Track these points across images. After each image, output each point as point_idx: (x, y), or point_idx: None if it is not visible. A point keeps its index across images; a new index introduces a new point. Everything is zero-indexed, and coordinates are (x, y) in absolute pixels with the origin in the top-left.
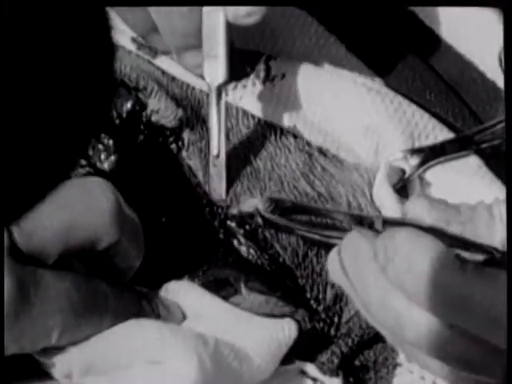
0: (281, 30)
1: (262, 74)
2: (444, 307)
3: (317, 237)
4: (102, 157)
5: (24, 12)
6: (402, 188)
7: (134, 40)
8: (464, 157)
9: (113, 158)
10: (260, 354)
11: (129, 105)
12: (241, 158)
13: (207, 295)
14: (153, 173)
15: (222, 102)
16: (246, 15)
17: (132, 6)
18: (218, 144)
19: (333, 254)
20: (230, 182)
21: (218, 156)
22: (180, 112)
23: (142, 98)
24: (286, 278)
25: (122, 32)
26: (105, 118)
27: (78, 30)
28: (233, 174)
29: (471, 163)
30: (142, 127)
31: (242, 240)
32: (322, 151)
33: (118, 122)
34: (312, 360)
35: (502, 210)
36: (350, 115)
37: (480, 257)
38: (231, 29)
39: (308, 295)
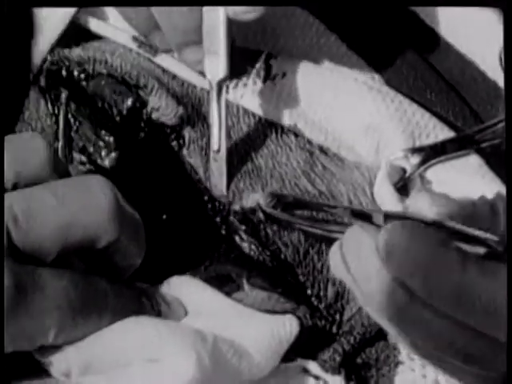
0: (282, 29)
1: (263, 73)
2: (445, 300)
3: (318, 231)
4: (103, 154)
5: None
6: (403, 187)
7: (134, 38)
8: (465, 156)
9: (113, 154)
10: (260, 351)
11: (129, 102)
12: (242, 156)
13: (209, 291)
14: (153, 170)
15: (223, 98)
16: (245, 11)
17: (132, 6)
18: (218, 139)
19: (334, 248)
20: (231, 178)
21: (218, 151)
22: (180, 110)
23: (142, 96)
24: (287, 274)
25: (123, 30)
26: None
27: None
28: (234, 172)
29: (472, 162)
30: (142, 124)
31: (244, 236)
32: (322, 150)
33: (118, 119)
34: (314, 358)
35: (504, 204)
36: (350, 114)
37: (481, 250)
38: (232, 25)
39: (309, 292)
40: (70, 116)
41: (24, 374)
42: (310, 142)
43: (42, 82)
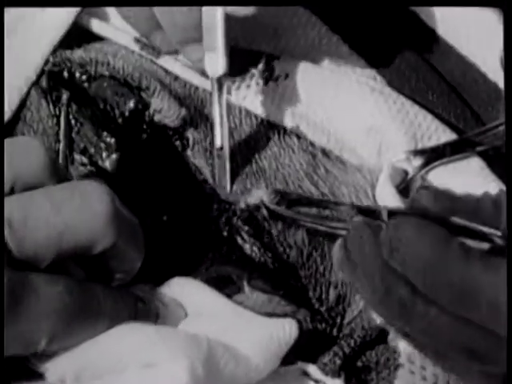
0: (284, 30)
1: (266, 74)
2: (449, 296)
3: (322, 228)
4: (104, 155)
5: None
6: (405, 189)
7: (137, 40)
8: (466, 158)
9: (114, 156)
10: (259, 354)
11: (131, 104)
12: (245, 157)
13: (210, 292)
14: (155, 171)
15: (224, 94)
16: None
17: (133, 6)
18: (220, 136)
19: (338, 244)
20: (235, 177)
21: (221, 148)
22: (183, 111)
23: (144, 98)
24: (289, 276)
25: (125, 32)
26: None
27: None
28: (238, 171)
29: (473, 165)
30: (144, 126)
31: (246, 237)
32: (325, 152)
33: (120, 120)
34: (314, 361)
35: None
36: (352, 115)
37: (485, 245)
38: (230, 22)
39: (311, 295)
40: (71, 117)
41: (21, 378)
42: (312, 143)
43: (44, 83)
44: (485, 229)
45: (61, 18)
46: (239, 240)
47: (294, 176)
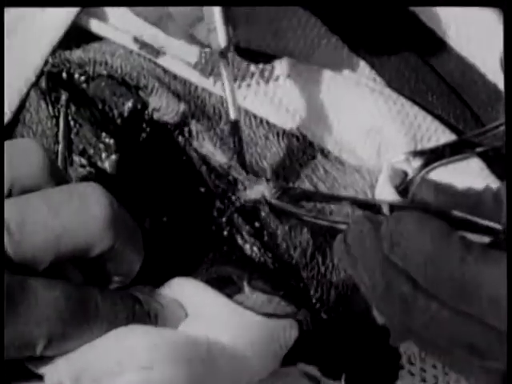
0: (284, 30)
1: (266, 74)
2: (449, 290)
3: (323, 223)
4: (103, 156)
5: None
6: (405, 190)
7: (136, 40)
8: (466, 159)
9: (114, 157)
10: (259, 354)
11: (130, 104)
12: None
13: (210, 293)
14: (155, 171)
15: (230, 67)
16: None
17: (133, 6)
18: (234, 108)
19: (339, 239)
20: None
21: (236, 121)
22: (182, 106)
23: (142, 97)
24: (289, 277)
25: (124, 32)
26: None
27: None
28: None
29: (473, 165)
30: (144, 125)
31: (247, 237)
32: (324, 153)
33: (119, 121)
34: (315, 362)
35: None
36: (352, 116)
37: (486, 239)
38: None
39: (312, 295)
40: (70, 118)
41: (20, 380)
42: (311, 144)
43: (43, 84)
44: (485, 222)
45: (60, 18)
46: (239, 240)
47: (294, 177)
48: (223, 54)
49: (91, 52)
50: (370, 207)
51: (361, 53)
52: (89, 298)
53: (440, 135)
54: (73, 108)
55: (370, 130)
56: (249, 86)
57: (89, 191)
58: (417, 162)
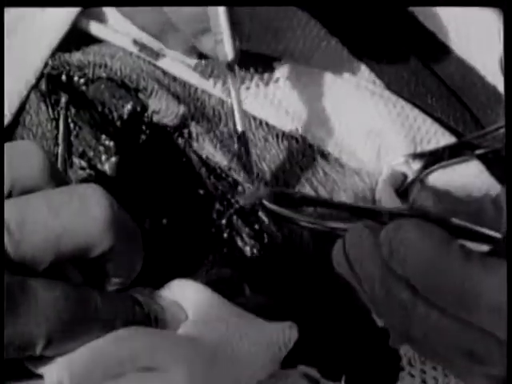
0: (283, 32)
1: (266, 76)
2: (449, 298)
3: (322, 229)
4: (103, 158)
5: None
6: (404, 192)
7: (135, 42)
8: (465, 161)
9: (113, 159)
10: (259, 356)
11: (129, 106)
12: None
13: (210, 294)
14: (154, 173)
15: (238, 79)
16: None
17: (133, 6)
18: (241, 121)
19: (337, 246)
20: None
21: (243, 133)
22: (182, 109)
23: (142, 99)
24: (289, 279)
25: (124, 34)
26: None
27: None
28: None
29: (472, 168)
30: (143, 128)
31: (247, 239)
32: (324, 155)
33: (119, 123)
34: (315, 364)
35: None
36: (352, 119)
37: (485, 247)
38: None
39: (311, 296)
40: (69, 121)
41: (20, 380)
42: (311, 146)
43: (43, 86)
44: (485, 231)
45: (60, 20)
46: (239, 242)
47: (294, 180)
48: (230, 66)
49: (91, 54)
50: (369, 213)
51: (360, 55)
52: (88, 299)
53: (440, 137)
54: (72, 110)
55: (369, 132)
56: (248, 88)
57: (89, 192)
58: (416, 165)
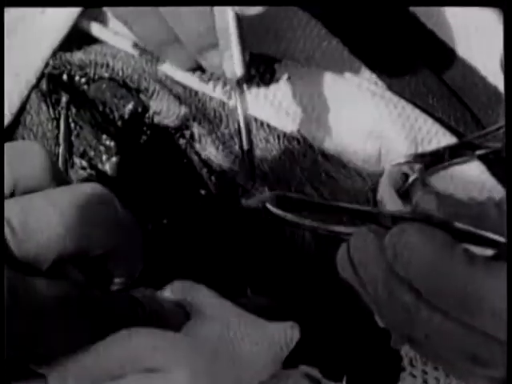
0: (284, 32)
1: (267, 77)
2: (452, 302)
3: (325, 233)
4: (104, 158)
5: None
6: (405, 193)
7: (135, 45)
8: (466, 162)
9: (114, 159)
10: (260, 356)
11: (130, 106)
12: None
13: (212, 295)
14: (155, 174)
15: (245, 96)
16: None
17: (133, 6)
18: (247, 139)
19: (342, 250)
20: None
21: (249, 151)
22: (183, 110)
23: (143, 100)
24: (292, 280)
25: (124, 37)
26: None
27: None
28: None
29: (473, 168)
30: (144, 128)
31: (248, 240)
32: (325, 156)
33: (120, 123)
34: (316, 364)
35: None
36: (353, 119)
37: (489, 251)
38: (242, 24)
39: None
40: (70, 120)
41: (21, 380)
42: (312, 147)
43: (44, 86)
44: (489, 235)
45: (61, 20)
46: (240, 242)
47: (296, 181)
48: (239, 83)
49: (92, 54)
50: (373, 218)
51: (361, 56)
52: (90, 300)
53: (440, 138)
54: (73, 110)
55: (370, 132)
56: (249, 88)
57: (92, 191)
58: (417, 165)
